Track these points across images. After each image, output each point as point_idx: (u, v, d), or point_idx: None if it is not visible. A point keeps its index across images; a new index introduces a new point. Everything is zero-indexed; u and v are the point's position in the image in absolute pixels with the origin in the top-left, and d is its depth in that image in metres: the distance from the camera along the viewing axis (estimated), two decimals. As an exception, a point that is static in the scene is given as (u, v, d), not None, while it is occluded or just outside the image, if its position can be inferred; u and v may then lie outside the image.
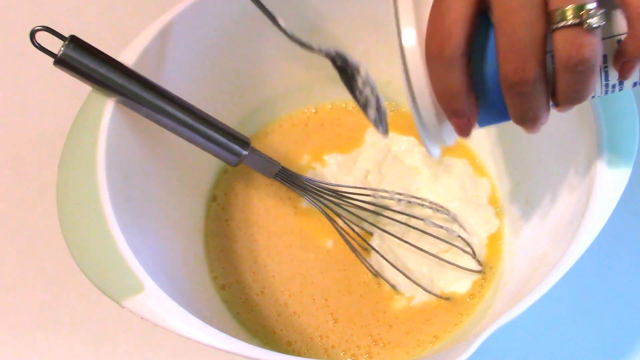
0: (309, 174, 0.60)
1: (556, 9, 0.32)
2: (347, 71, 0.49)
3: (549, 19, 0.32)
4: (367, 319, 0.53)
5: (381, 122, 0.48)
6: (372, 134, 0.62)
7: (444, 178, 0.59)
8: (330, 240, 0.57)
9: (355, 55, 0.61)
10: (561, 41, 0.32)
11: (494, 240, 0.56)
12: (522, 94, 0.34)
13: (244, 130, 0.53)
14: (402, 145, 0.62)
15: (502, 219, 0.57)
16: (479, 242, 0.56)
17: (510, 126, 0.56)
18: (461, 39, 0.34)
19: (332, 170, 0.60)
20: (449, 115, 0.37)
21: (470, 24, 0.34)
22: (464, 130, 0.38)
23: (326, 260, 0.56)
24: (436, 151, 0.42)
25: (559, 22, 0.32)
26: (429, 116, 0.38)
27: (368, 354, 0.51)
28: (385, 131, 0.48)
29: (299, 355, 0.51)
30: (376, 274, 0.54)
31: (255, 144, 0.62)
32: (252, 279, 0.55)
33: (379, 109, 0.48)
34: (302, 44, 0.48)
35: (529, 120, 0.36)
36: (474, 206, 0.58)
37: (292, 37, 0.48)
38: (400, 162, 0.61)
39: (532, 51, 0.32)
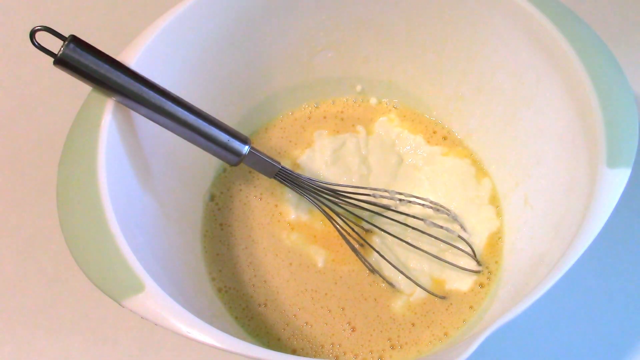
0: (304, 161, 0.60)
1: None
2: None
3: None
4: (387, 324, 0.52)
5: None
6: (380, 125, 0.63)
7: (445, 178, 0.59)
8: (330, 248, 0.56)
9: (356, 56, 0.62)
10: None
11: (494, 239, 0.56)
12: None
13: (244, 128, 0.52)
14: (407, 145, 0.62)
15: (502, 219, 0.57)
16: (480, 242, 0.56)
17: (510, 127, 0.56)
18: None
19: (331, 166, 0.60)
20: None
21: None
22: None
23: (334, 270, 0.55)
24: None
25: None
26: None
27: (380, 358, 0.51)
28: None
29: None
30: (373, 271, 0.54)
31: (256, 138, 0.63)
32: (253, 290, 0.54)
33: None
34: None
35: None
36: (475, 206, 0.58)
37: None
38: (402, 161, 0.61)
39: None
